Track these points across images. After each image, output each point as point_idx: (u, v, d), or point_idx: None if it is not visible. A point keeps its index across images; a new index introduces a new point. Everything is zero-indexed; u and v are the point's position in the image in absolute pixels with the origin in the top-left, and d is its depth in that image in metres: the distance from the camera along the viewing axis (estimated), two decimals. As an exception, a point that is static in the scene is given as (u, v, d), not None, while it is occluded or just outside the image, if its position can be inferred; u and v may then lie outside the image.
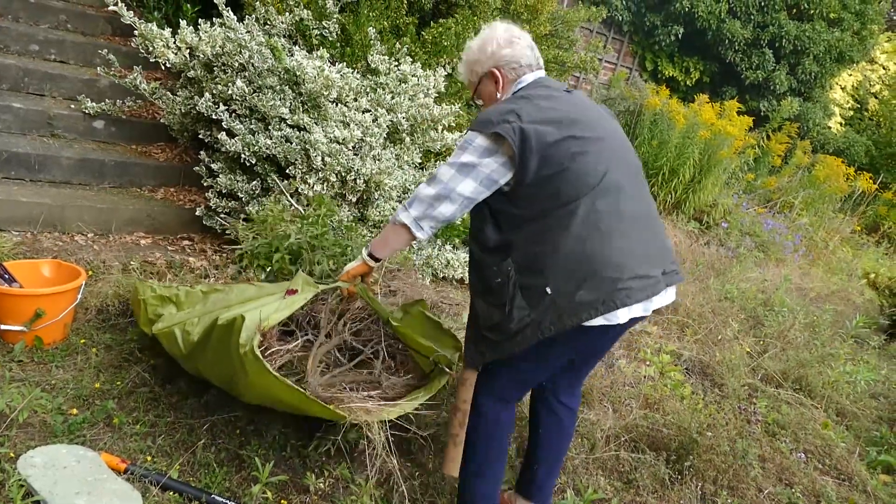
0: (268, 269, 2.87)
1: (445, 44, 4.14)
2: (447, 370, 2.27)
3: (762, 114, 8.11)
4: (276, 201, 3.43)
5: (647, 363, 3.45)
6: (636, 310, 1.77)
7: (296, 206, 3.33)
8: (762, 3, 7.57)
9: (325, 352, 2.42)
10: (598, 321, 1.72)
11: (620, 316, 1.74)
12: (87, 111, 3.90)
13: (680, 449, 2.65)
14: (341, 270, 2.29)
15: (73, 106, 3.95)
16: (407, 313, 2.43)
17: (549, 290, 1.72)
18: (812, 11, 7.87)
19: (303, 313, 2.57)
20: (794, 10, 7.96)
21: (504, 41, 1.95)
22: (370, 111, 3.65)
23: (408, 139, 3.86)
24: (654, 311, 3.69)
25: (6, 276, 2.60)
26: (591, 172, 1.74)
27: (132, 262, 3.34)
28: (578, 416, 2.78)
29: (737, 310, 4.58)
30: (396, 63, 3.89)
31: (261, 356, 1.89)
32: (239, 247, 3.14)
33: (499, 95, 1.99)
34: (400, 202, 3.72)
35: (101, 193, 3.72)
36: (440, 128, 3.94)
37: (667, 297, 1.89)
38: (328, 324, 2.47)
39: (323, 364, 2.41)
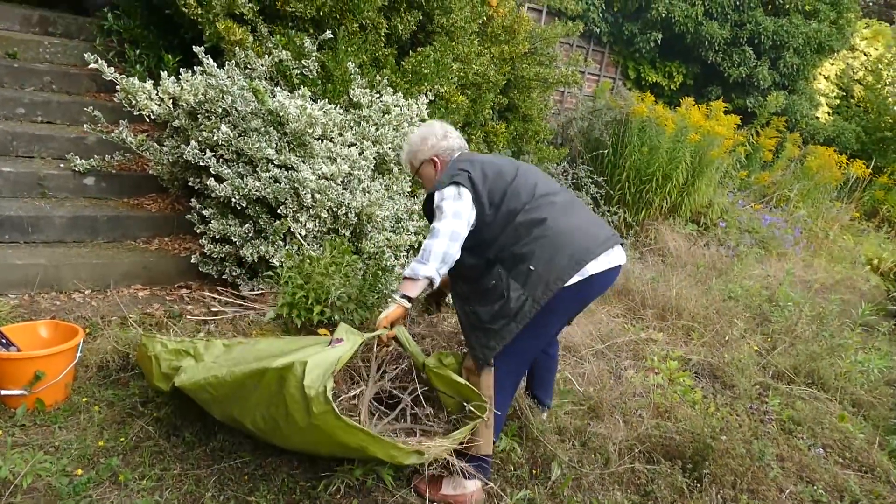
0: (304, 319, 2.84)
1: (426, 71, 4.17)
2: (480, 415, 2.22)
3: (749, 110, 8.13)
4: (272, 243, 3.44)
5: (655, 371, 3.41)
6: (601, 261, 2.26)
7: (307, 248, 3.33)
8: (737, 2, 7.63)
9: (369, 399, 2.34)
10: (575, 278, 2.19)
11: (590, 269, 2.22)
12: (76, 169, 3.93)
13: (695, 456, 2.61)
14: (374, 318, 2.41)
15: (62, 165, 3.97)
16: (441, 362, 2.35)
17: (531, 268, 2.19)
18: (787, 6, 7.93)
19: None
20: (770, 6, 8.01)
21: (440, 136, 2.51)
22: (356, 144, 3.66)
23: (396, 169, 3.87)
24: (658, 318, 3.70)
25: (3, 341, 2.60)
26: (526, 186, 2.32)
27: (131, 316, 3.34)
28: (586, 430, 2.76)
29: (742, 308, 4.55)
30: (378, 95, 3.92)
31: (331, 399, 1.93)
32: (241, 298, 3.13)
33: (437, 176, 2.49)
34: (393, 232, 3.72)
35: (95, 249, 3.73)
36: (427, 154, 3.95)
37: (620, 255, 2.38)
38: (367, 371, 2.40)
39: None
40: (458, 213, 2.20)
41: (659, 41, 7.49)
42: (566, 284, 2.18)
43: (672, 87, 7.94)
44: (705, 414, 2.97)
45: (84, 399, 2.67)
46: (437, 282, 2.18)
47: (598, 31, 7.42)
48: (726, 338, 4.02)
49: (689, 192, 6.38)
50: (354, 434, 1.96)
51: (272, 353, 2.28)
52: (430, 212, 2.37)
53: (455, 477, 2.31)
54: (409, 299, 2.19)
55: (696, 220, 6.57)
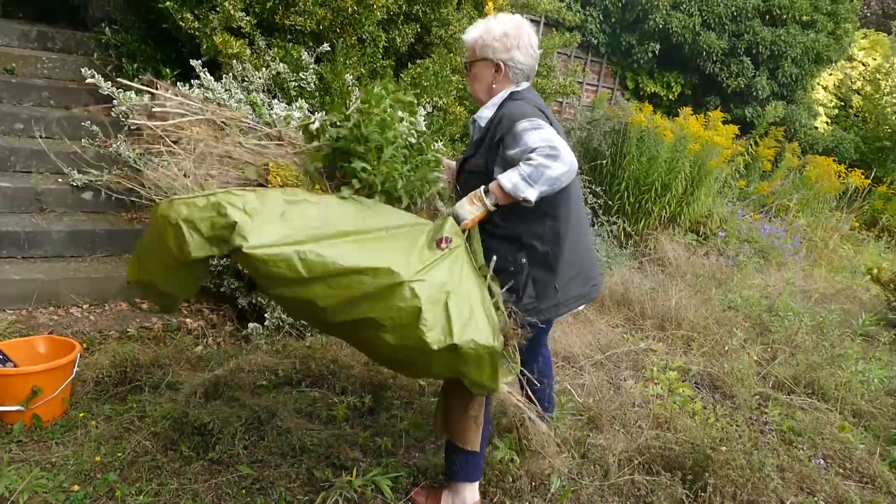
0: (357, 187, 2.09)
1: (425, 84, 4.19)
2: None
3: (748, 120, 8.16)
4: None
5: (655, 381, 3.40)
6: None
7: None
8: (735, 13, 7.67)
9: None
10: (581, 307, 2.29)
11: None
12: (74, 183, 3.94)
13: (695, 467, 2.60)
14: (448, 210, 2.13)
15: (60, 180, 3.98)
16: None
17: (557, 286, 2.13)
18: (785, 16, 7.97)
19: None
20: (768, 17, 8.05)
21: (524, 47, 2.15)
22: (354, 156, 3.66)
23: (394, 180, 3.87)
24: (657, 328, 3.70)
25: (0, 357, 2.59)
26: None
27: (129, 330, 3.34)
28: (586, 442, 2.75)
29: (741, 318, 4.54)
30: (376, 107, 3.92)
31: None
32: None
33: (494, 86, 2.18)
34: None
35: (94, 264, 3.73)
36: (425, 166, 3.96)
37: None
38: None
39: None
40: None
41: (657, 51, 7.52)
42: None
43: (671, 97, 7.96)
44: (705, 424, 2.96)
45: (81, 414, 2.66)
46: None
47: (595, 41, 7.45)
48: (726, 348, 4.01)
49: (688, 202, 6.38)
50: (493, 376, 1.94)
51: (367, 228, 1.96)
52: (482, 141, 2.12)
53: (454, 487, 2.28)
54: (497, 206, 2.02)
55: (695, 230, 6.56)
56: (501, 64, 2.14)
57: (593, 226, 5.56)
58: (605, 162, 6.23)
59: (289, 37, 4.03)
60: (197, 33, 3.81)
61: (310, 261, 1.84)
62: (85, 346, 3.09)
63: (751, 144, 7.96)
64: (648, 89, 7.86)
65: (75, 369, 2.69)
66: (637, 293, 4.65)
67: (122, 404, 2.76)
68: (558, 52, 6.59)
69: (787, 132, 8.40)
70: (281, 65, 3.81)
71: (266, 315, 3.48)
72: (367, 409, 2.91)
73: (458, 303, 1.89)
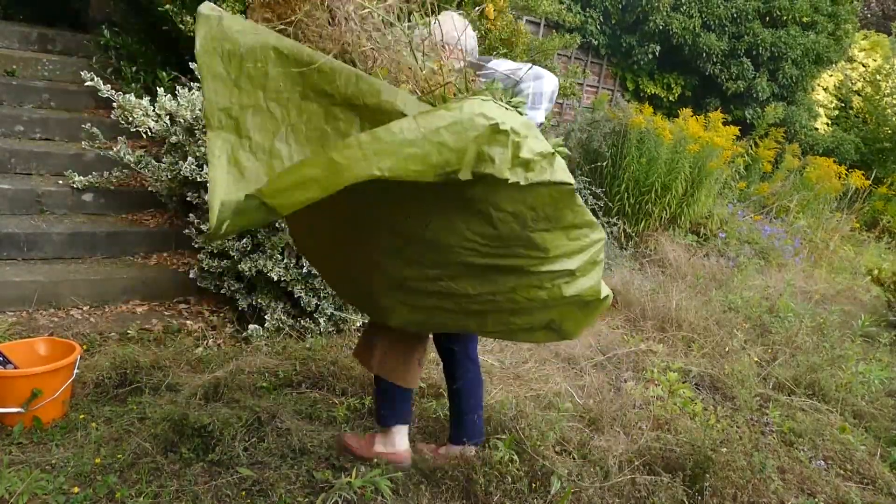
0: None
1: (423, 85, 4.19)
2: None
3: (748, 122, 8.17)
4: (269, 257, 3.43)
5: (655, 383, 3.40)
6: None
7: None
8: (735, 15, 7.68)
9: None
10: None
11: None
12: (75, 186, 3.94)
13: (696, 468, 2.59)
14: None
15: (60, 182, 3.99)
16: None
17: None
18: (785, 17, 7.98)
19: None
20: (767, 18, 8.07)
21: (470, 32, 2.24)
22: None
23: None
24: (658, 330, 3.69)
25: (1, 359, 2.59)
26: None
27: (129, 331, 3.34)
28: (587, 443, 2.75)
29: (742, 319, 4.53)
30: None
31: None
32: None
33: None
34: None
35: (94, 265, 3.74)
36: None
37: None
38: None
39: None
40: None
41: (657, 53, 7.53)
42: None
43: (671, 98, 7.97)
44: (705, 426, 2.96)
45: (81, 416, 2.66)
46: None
47: (596, 43, 7.46)
48: (726, 349, 4.01)
49: (688, 203, 6.38)
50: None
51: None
52: None
53: (386, 431, 2.39)
54: None
55: (695, 231, 6.56)
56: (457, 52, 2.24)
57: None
58: (605, 163, 6.23)
59: (288, 39, 4.03)
60: (193, 36, 3.82)
61: (582, 209, 1.75)
62: (85, 347, 3.09)
63: (751, 145, 7.96)
64: (649, 91, 7.87)
65: (75, 371, 2.69)
66: (637, 294, 4.65)
67: (123, 406, 2.76)
68: (558, 54, 6.60)
69: (787, 133, 8.40)
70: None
71: (266, 317, 3.48)
72: (367, 410, 2.91)
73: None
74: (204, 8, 1.67)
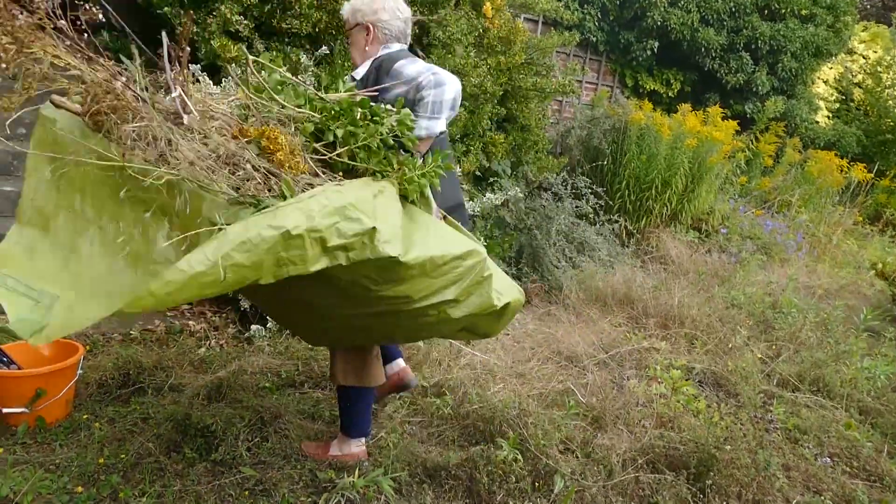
0: None
1: (424, 83, 4.18)
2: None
3: (748, 116, 8.14)
4: None
5: (658, 380, 3.39)
6: None
7: None
8: (733, 9, 7.65)
9: None
10: None
11: None
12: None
13: (700, 466, 2.59)
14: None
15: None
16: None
17: None
18: (784, 10, 7.95)
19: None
20: (766, 11, 8.04)
21: (390, 9, 2.34)
22: (354, 157, 3.66)
23: (395, 180, 3.87)
24: (660, 327, 3.71)
25: (5, 359, 2.60)
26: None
27: (132, 332, 3.35)
28: (590, 442, 2.75)
29: (745, 316, 4.52)
30: (376, 107, 3.92)
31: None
32: None
33: (366, 49, 2.37)
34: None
35: (96, 266, 3.73)
36: (427, 165, 3.96)
37: None
38: None
39: None
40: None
41: (656, 49, 7.50)
42: None
43: (670, 94, 7.95)
44: (709, 423, 2.95)
45: (85, 416, 2.66)
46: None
47: (594, 39, 7.44)
48: (730, 346, 4.00)
49: (689, 199, 6.37)
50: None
51: (422, 220, 1.93)
52: (376, 82, 2.21)
53: (343, 438, 2.49)
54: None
55: (697, 227, 6.55)
56: (370, 26, 2.33)
57: (594, 224, 5.55)
58: (605, 161, 6.23)
59: (287, 40, 4.03)
60: (196, 38, 3.81)
61: (434, 258, 1.80)
62: (88, 348, 3.10)
63: (751, 140, 7.94)
64: (648, 87, 7.85)
65: (79, 371, 2.69)
66: (639, 292, 4.64)
67: (126, 406, 2.77)
68: (557, 51, 6.57)
69: (787, 127, 8.38)
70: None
71: (268, 317, 3.48)
72: (370, 409, 2.91)
73: (495, 267, 2.05)
74: (45, 109, 1.78)
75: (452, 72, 4.35)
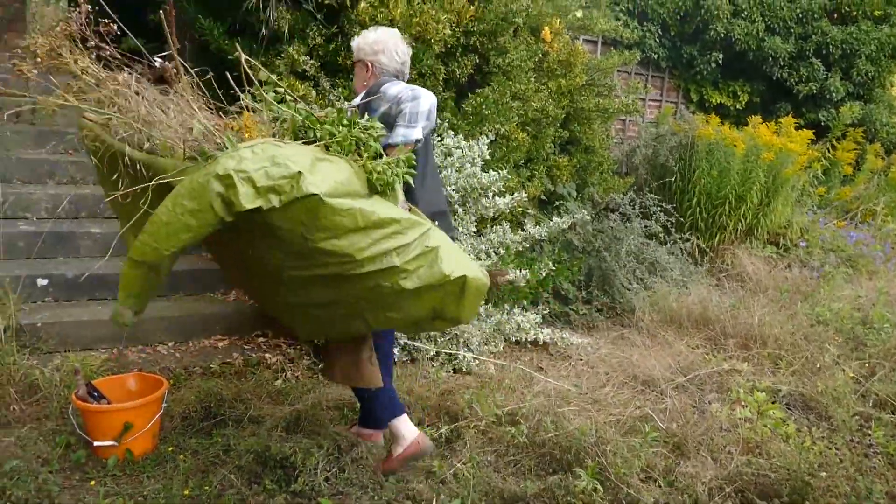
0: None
1: (486, 112, 4.21)
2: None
3: (822, 124, 7.82)
4: None
5: (742, 404, 3.24)
6: None
7: None
8: (800, 15, 7.42)
9: None
10: None
11: None
12: (158, 227, 4.14)
13: (793, 494, 2.45)
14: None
15: (145, 224, 4.20)
16: None
17: None
18: (855, 13, 7.66)
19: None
20: (836, 15, 7.76)
21: (389, 52, 2.61)
22: (419, 187, 3.72)
23: (460, 210, 3.90)
24: (741, 347, 3.57)
25: (95, 394, 2.72)
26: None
27: (212, 365, 3.46)
28: (673, 470, 2.64)
29: (832, 333, 4.29)
30: (440, 138, 3.98)
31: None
32: None
33: (365, 83, 2.64)
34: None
35: (178, 302, 3.89)
36: (490, 194, 3.97)
37: None
38: None
39: None
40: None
41: (720, 61, 7.34)
42: None
43: (738, 106, 7.73)
44: (801, 449, 2.80)
45: (170, 448, 2.75)
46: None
47: (655, 56, 7.34)
48: (818, 365, 3.79)
49: (764, 214, 6.13)
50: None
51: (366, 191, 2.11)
52: (371, 109, 2.49)
53: (391, 431, 2.63)
54: None
55: (774, 242, 6.29)
56: (370, 64, 2.61)
57: (665, 244, 5.41)
58: (673, 178, 6.09)
59: (350, 76, 4.14)
60: (264, 81, 3.97)
61: (365, 210, 1.97)
62: (171, 382, 3.21)
63: (828, 149, 7.61)
64: (714, 100, 7.66)
65: (164, 405, 2.80)
66: (716, 311, 4.48)
67: (208, 438, 2.84)
68: (618, 71, 6.52)
69: (866, 133, 7.98)
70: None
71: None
72: (444, 438, 2.90)
73: (450, 245, 2.18)
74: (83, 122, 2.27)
75: (514, 97, 4.42)
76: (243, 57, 2.21)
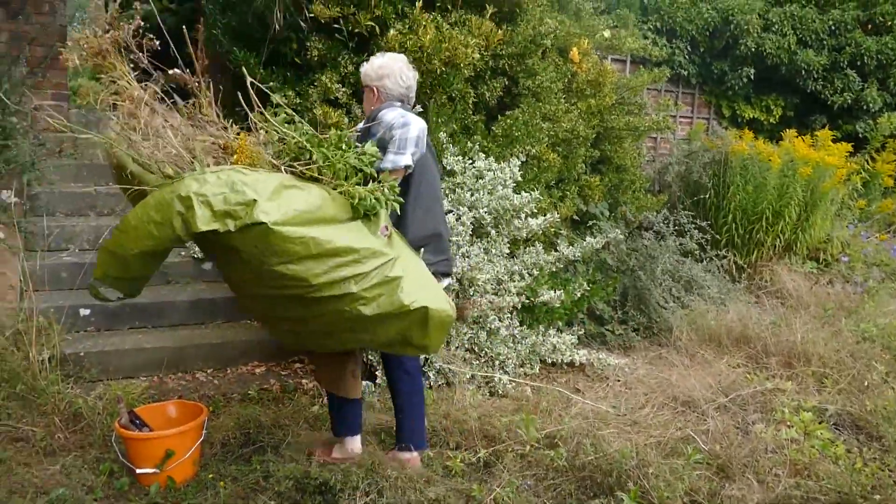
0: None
1: (516, 134, 4.23)
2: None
3: (860, 136, 7.65)
4: None
5: (788, 424, 3.15)
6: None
7: None
8: (832, 27, 7.31)
9: None
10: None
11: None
12: (196, 256, 4.23)
13: (846, 518, 2.36)
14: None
15: (183, 253, 4.29)
16: None
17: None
18: (889, 22, 7.52)
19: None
20: (870, 26, 7.63)
21: (393, 78, 2.71)
22: (452, 211, 3.74)
23: (493, 232, 3.90)
24: (784, 366, 3.90)
25: (137, 422, 2.77)
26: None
27: (250, 392, 3.49)
28: (718, 493, 2.57)
29: (880, 350, 4.16)
30: (471, 161, 4.00)
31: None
32: None
33: (372, 107, 2.75)
34: (496, 294, 3.72)
35: (215, 330, 3.96)
36: (523, 215, 3.97)
37: None
38: None
39: None
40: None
41: (752, 76, 7.26)
42: None
43: (771, 120, 7.62)
44: (852, 470, 2.70)
45: (210, 475, 2.78)
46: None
47: (685, 73, 7.29)
48: (866, 383, 3.67)
49: (803, 229, 6.00)
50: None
51: (337, 217, 2.20)
52: (370, 134, 2.62)
53: (341, 441, 2.82)
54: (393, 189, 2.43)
55: (814, 258, 6.15)
56: (375, 89, 2.72)
57: (701, 261, 5.32)
58: (707, 195, 6.01)
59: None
60: (298, 108, 4.05)
61: (319, 239, 2.08)
62: (211, 409, 3.25)
63: (867, 160, 7.44)
64: (746, 115, 7.56)
65: (204, 432, 2.83)
66: (757, 329, 4.38)
67: (248, 465, 2.86)
68: (648, 88, 6.48)
69: (907, 143, 7.78)
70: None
71: (377, 373, 3.54)
72: (482, 463, 2.87)
73: (417, 275, 2.25)
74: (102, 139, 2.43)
75: (544, 118, 4.43)
76: (249, 79, 2.39)
